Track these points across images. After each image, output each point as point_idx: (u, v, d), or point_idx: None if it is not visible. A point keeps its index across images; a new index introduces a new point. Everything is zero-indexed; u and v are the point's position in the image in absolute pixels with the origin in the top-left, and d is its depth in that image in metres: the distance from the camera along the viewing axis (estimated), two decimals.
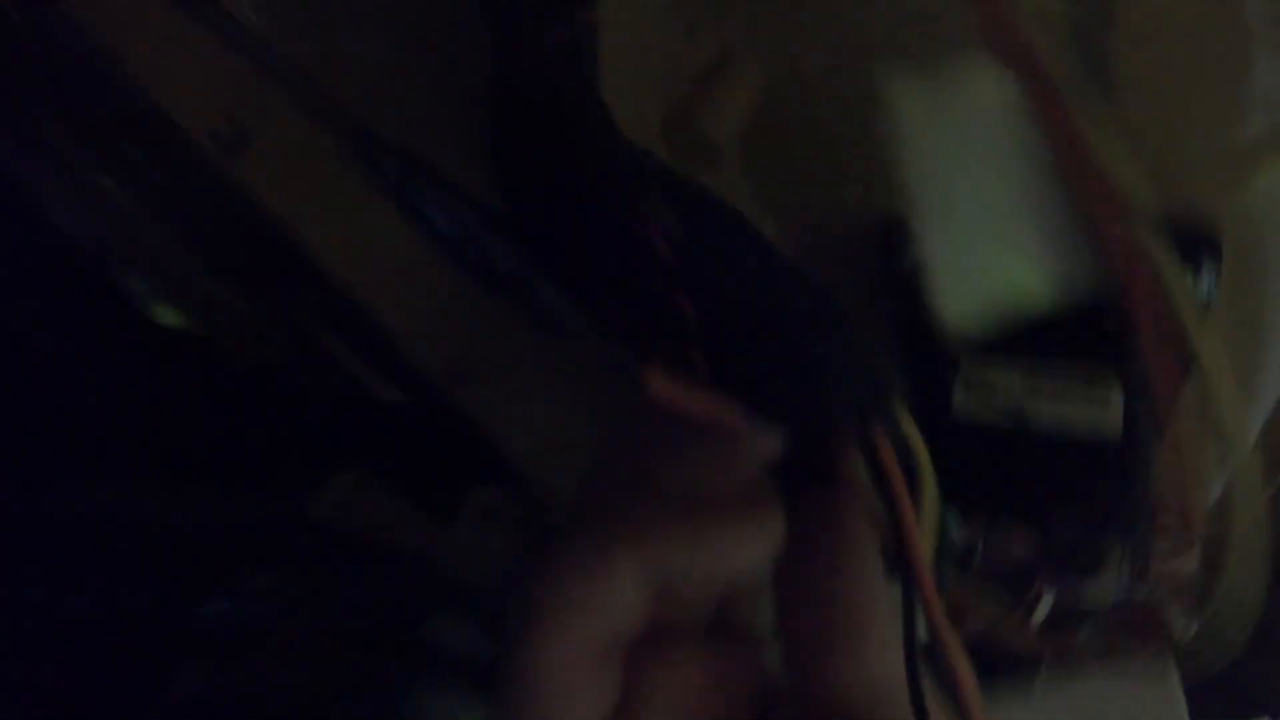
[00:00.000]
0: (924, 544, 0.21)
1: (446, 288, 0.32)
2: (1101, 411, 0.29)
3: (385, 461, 0.41)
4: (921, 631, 0.21)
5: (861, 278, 0.33)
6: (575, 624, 0.19)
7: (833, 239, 0.33)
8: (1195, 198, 0.29)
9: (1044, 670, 0.33)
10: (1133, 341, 0.26)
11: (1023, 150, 0.24)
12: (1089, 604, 0.32)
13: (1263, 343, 0.30)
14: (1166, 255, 0.24)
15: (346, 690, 0.39)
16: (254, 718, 0.36)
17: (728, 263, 0.18)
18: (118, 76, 0.27)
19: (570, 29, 0.23)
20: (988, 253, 0.26)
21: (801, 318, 0.19)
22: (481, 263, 0.21)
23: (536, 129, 0.21)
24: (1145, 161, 0.24)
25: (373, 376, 0.40)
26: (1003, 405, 0.30)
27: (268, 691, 0.38)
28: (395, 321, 0.33)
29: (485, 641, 0.40)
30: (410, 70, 0.28)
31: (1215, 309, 0.29)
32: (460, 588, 0.40)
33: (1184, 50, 0.27)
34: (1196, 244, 0.29)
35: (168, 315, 0.38)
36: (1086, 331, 0.28)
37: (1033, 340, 0.29)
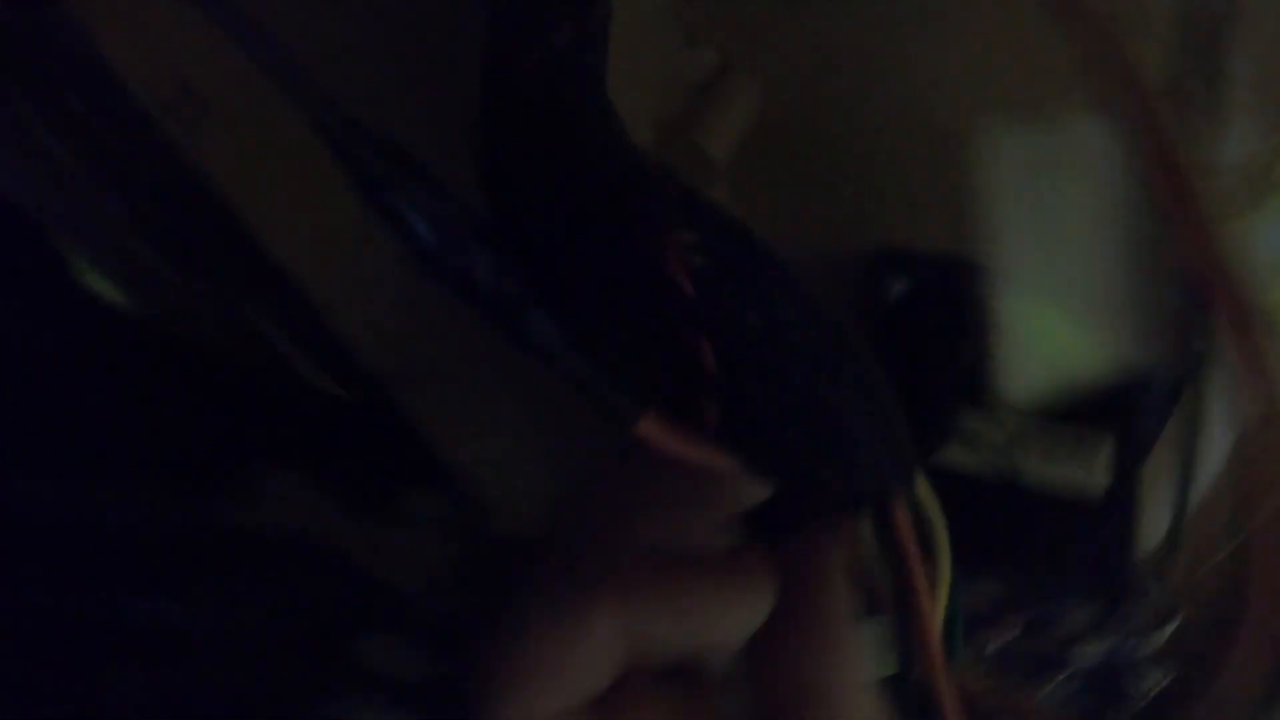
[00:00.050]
0: (936, 618, 0.18)
1: (400, 286, 0.29)
2: (1088, 472, 0.27)
3: (321, 459, 0.38)
4: None
5: (847, 306, 0.31)
6: (548, 687, 0.18)
7: (819, 265, 0.31)
8: None
9: None
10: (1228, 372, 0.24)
11: (1116, 213, 0.22)
12: (1063, 661, 0.30)
13: None
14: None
15: (271, 701, 0.35)
16: None
17: (755, 306, 0.15)
18: (65, 27, 0.24)
19: (579, 28, 0.20)
20: (1056, 313, 0.24)
21: (830, 377, 0.16)
22: (463, 278, 0.17)
23: (534, 135, 0.18)
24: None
25: (315, 370, 0.37)
26: (987, 455, 0.28)
27: (187, 698, 0.34)
28: (344, 317, 0.31)
29: (417, 659, 0.38)
30: (393, 60, 0.24)
31: None
32: (392, 596, 0.37)
33: None
34: None
35: (105, 288, 0.34)
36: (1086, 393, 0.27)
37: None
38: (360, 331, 0.31)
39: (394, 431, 0.33)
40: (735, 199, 0.30)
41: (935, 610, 0.18)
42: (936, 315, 0.29)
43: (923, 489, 0.19)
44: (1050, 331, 0.24)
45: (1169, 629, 0.29)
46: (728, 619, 0.19)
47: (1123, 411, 0.27)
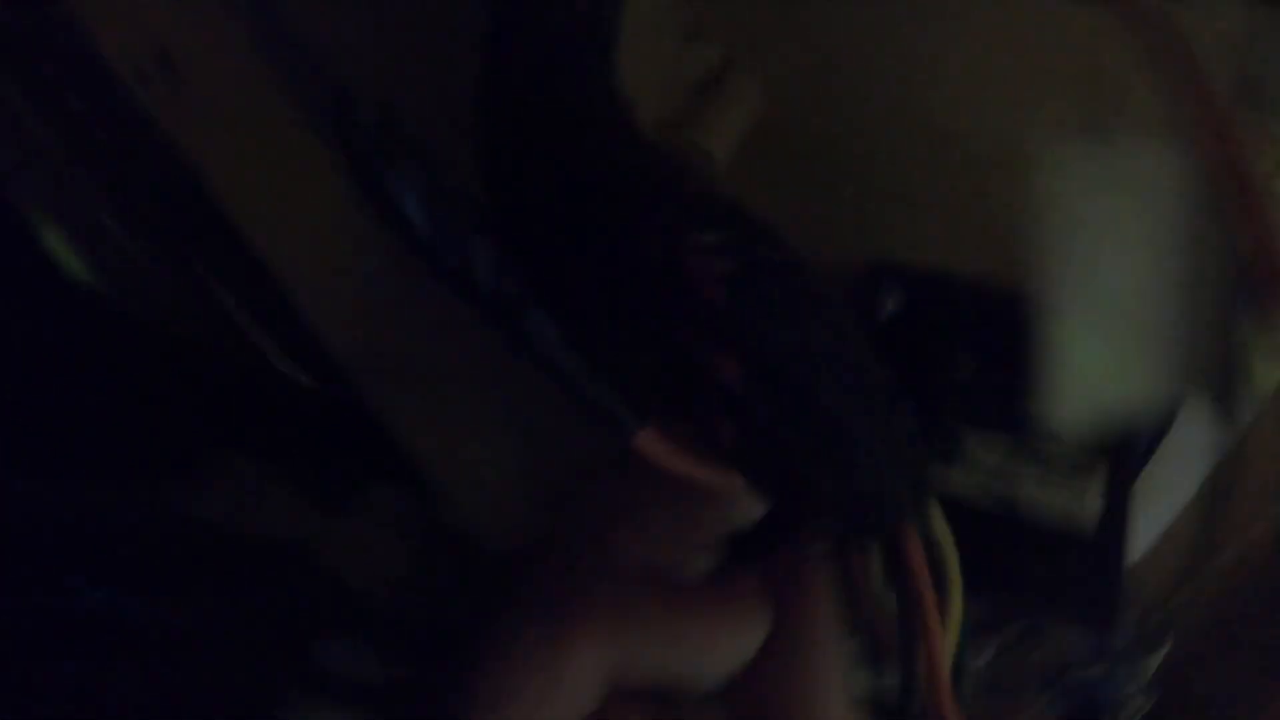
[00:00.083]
0: (946, 652, 0.17)
1: (374, 274, 0.27)
2: (1080, 497, 0.26)
3: (284, 448, 0.36)
4: None
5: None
6: (530, 714, 0.17)
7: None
8: None
9: None
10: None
11: (1176, 245, 0.21)
12: (1045, 685, 0.29)
13: None
14: None
15: (224, 699, 0.34)
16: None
17: (785, 319, 0.14)
18: None
19: (587, 9, 0.18)
20: (1105, 346, 0.23)
21: (855, 398, 0.15)
22: (460, 273, 0.16)
23: (539, 118, 0.17)
24: None
25: (282, 357, 0.35)
26: (978, 476, 0.27)
27: (134, 693, 0.32)
28: (314, 303, 0.29)
29: (374, 661, 0.36)
30: (386, 32, 0.23)
31: None
32: (350, 595, 0.36)
33: None
34: None
35: (73, 264, 0.32)
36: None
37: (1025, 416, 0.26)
38: (330, 319, 0.29)
39: (358, 423, 0.32)
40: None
41: (946, 644, 0.17)
42: (931, 332, 0.28)
43: (936, 518, 0.18)
44: (1087, 358, 0.23)
45: (1157, 657, 0.29)
46: (722, 649, 0.18)
47: (1117, 436, 0.26)
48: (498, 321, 0.16)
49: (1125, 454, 0.26)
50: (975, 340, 0.28)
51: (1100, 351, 0.23)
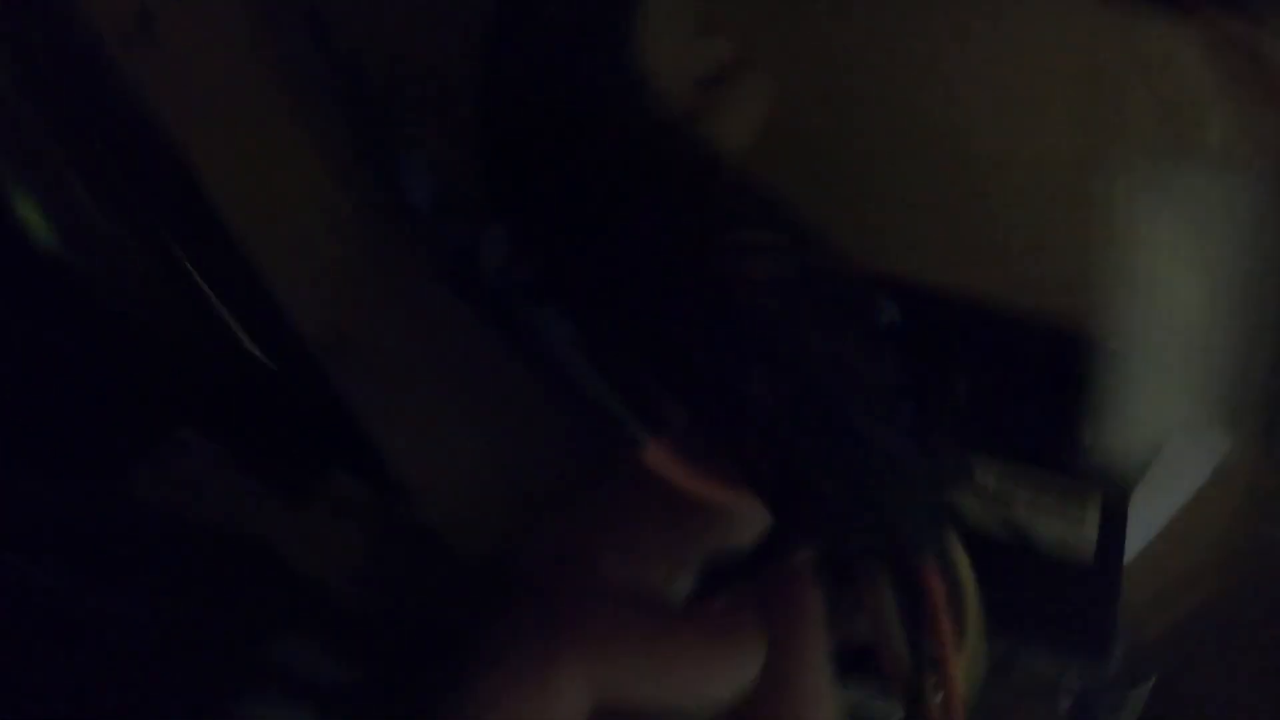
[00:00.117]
0: (962, 689, 0.16)
1: (351, 256, 0.26)
2: (1076, 528, 0.25)
3: (244, 429, 0.34)
4: None
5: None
6: None
7: None
8: None
9: None
10: None
11: (1240, 281, 0.20)
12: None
13: None
14: None
15: (173, 694, 0.32)
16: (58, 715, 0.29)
17: (824, 331, 0.12)
18: None
19: None
20: (1150, 376, 0.21)
21: (886, 421, 0.13)
22: (463, 257, 0.14)
23: (562, 106, 0.15)
24: None
25: (246, 333, 0.33)
26: (974, 503, 0.26)
27: (79, 685, 0.30)
28: (283, 281, 0.27)
29: (334, 662, 0.34)
30: (395, 10, 0.21)
31: None
32: (308, 589, 0.34)
33: None
34: None
35: (37, 223, 0.30)
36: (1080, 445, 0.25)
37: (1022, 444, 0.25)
38: (301, 300, 0.27)
39: (325, 412, 0.30)
40: None
41: (962, 678, 0.16)
42: (927, 350, 0.27)
43: (955, 547, 0.16)
44: (1129, 387, 0.22)
45: (1143, 690, 0.28)
46: (715, 680, 0.17)
47: (1115, 465, 0.25)
48: (502, 315, 0.14)
49: (1122, 482, 0.25)
50: (974, 362, 0.27)
51: (1145, 381, 0.22)
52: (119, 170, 0.27)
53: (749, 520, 0.17)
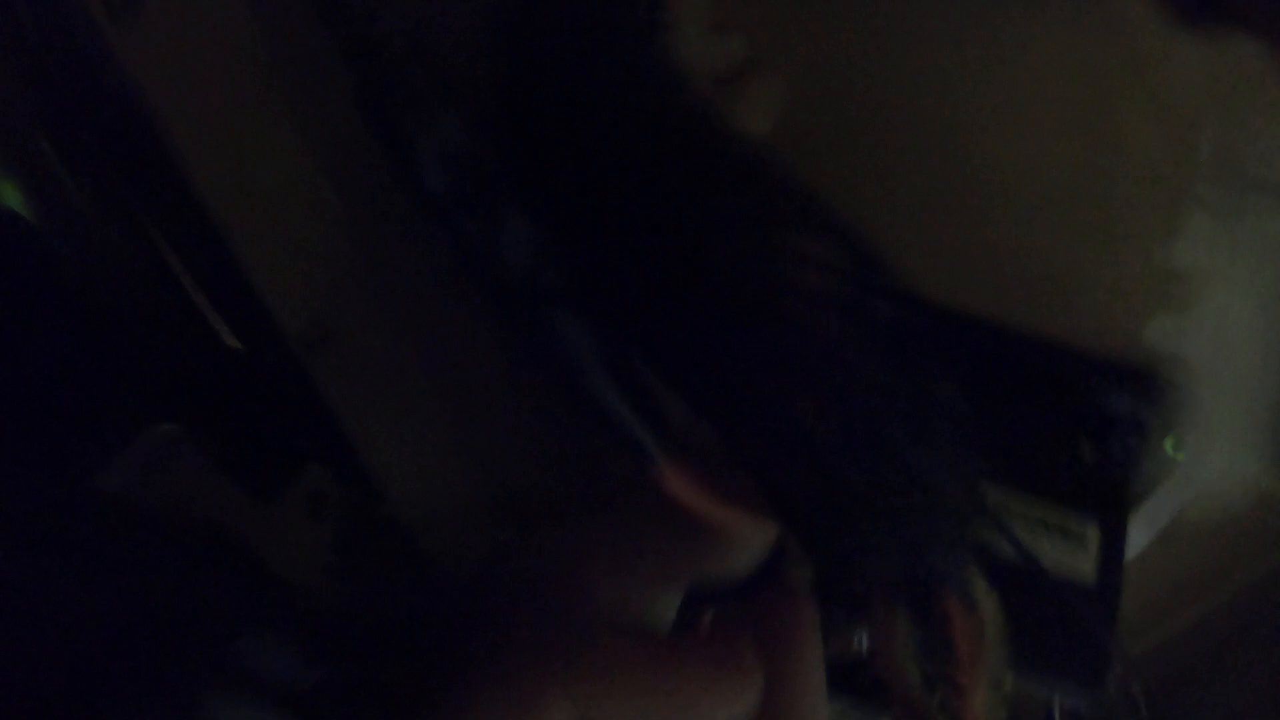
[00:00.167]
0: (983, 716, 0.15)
1: (330, 241, 0.25)
2: (1071, 559, 0.25)
3: (212, 417, 0.33)
4: None
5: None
6: None
7: None
8: None
9: None
10: None
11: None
12: None
13: None
14: None
15: (133, 699, 0.30)
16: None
17: (885, 365, 0.11)
18: None
19: None
20: (1233, 420, 0.21)
21: (933, 453, 0.12)
22: (482, 247, 0.13)
23: (598, 92, 0.14)
24: None
25: (219, 318, 0.32)
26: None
27: (38, 687, 0.28)
28: (261, 265, 0.26)
29: (300, 663, 0.32)
30: None
31: None
32: (275, 584, 0.32)
33: None
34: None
35: (9, 192, 0.29)
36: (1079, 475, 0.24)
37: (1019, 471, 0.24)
38: (279, 285, 0.26)
39: (300, 402, 0.29)
40: None
41: (982, 714, 0.15)
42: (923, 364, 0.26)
43: (976, 578, 0.15)
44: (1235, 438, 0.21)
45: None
46: (713, 713, 0.16)
47: (1109, 498, 0.25)
48: (521, 315, 0.13)
49: (1118, 514, 0.24)
50: (971, 379, 0.26)
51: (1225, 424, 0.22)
52: (100, 150, 0.26)
53: (752, 545, 0.16)
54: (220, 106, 0.22)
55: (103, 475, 0.28)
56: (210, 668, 0.30)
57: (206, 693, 0.29)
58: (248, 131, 0.22)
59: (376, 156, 0.20)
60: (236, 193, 0.24)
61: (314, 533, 0.33)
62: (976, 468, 0.14)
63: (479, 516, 0.31)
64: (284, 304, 0.26)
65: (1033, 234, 0.24)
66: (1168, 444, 0.26)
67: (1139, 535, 0.28)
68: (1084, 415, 0.26)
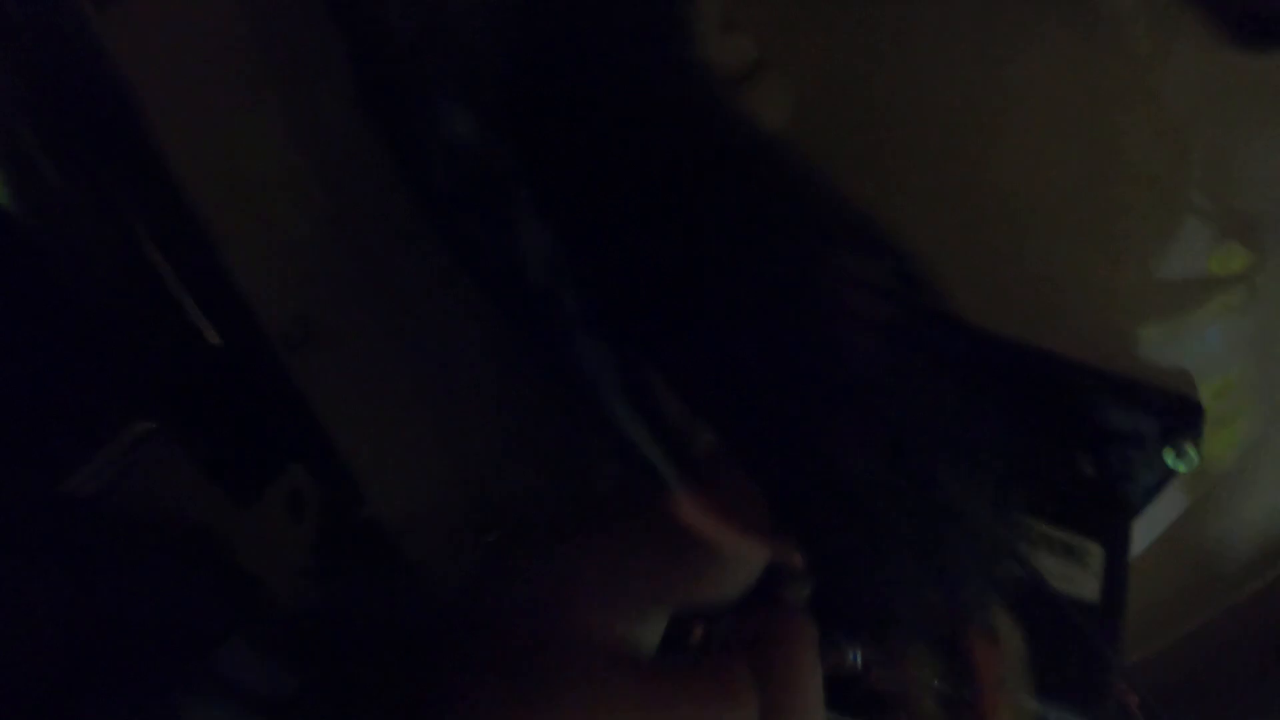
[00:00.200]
0: None
1: (316, 239, 0.25)
2: (1075, 581, 0.24)
3: (192, 415, 0.32)
4: None
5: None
6: None
7: None
8: None
9: None
10: None
11: None
12: None
13: None
14: None
15: (108, 704, 0.29)
16: None
17: (932, 396, 0.10)
18: None
19: None
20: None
21: (973, 489, 0.11)
22: (498, 255, 0.12)
23: (607, 95, 0.12)
24: None
25: (200, 314, 0.31)
26: None
27: (9, 689, 0.28)
28: (240, 260, 0.25)
29: (279, 670, 0.32)
30: None
31: None
32: (253, 587, 0.32)
33: None
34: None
35: None
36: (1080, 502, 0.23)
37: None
38: (264, 283, 0.25)
39: (282, 401, 0.28)
40: None
41: None
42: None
43: (999, 612, 0.15)
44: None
45: None
46: None
47: (1110, 512, 0.24)
48: (536, 333, 0.12)
49: (1120, 536, 0.24)
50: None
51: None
52: (82, 140, 0.25)
53: (748, 568, 0.15)
54: (206, 99, 0.21)
55: (80, 473, 0.26)
56: (189, 675, 0.29)
57: (185, 700, 0.29)
58: (234, 125, 0.21)
59: (365, 155, 0.19)
60: (221, 187, 0.23)
61: (294, 534, 0.32)
62: (1016, 503, 0.13)
63: (461, 520, 0.30)
64: (267, 302, 0.25)
65: (1030, 238, 0.24)
66: (1167, 455, 0.26)
67: (1135, 543, 0.28)
68: (1082, 429, 0.26)
